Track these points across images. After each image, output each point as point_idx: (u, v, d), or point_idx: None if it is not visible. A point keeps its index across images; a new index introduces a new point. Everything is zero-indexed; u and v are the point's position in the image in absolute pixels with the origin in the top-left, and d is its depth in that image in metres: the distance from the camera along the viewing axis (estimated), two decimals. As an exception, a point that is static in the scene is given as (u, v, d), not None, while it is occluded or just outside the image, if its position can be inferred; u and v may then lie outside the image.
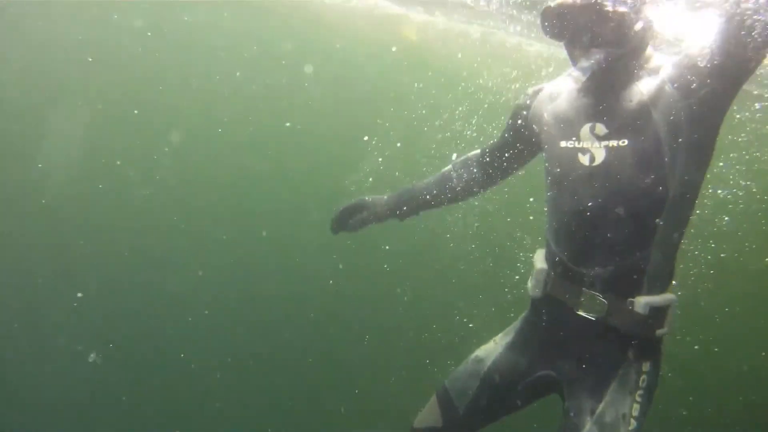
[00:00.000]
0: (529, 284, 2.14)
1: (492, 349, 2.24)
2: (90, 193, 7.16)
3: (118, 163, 7.28)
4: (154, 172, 7.42)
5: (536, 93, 2.19)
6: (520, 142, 2.25)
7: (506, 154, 2.31)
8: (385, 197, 2.45)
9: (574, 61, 1.92)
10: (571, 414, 1.94)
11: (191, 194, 7.66)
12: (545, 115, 2.08)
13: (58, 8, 7.16)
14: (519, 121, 2.23)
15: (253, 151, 7.83)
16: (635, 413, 1.89)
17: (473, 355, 2.26)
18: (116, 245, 6.90)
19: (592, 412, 1.90)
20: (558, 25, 1.88)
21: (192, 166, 7.71)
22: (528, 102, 2.19)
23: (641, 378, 1.92)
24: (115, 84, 7.33)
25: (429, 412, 2.27)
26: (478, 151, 2.41)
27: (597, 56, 1.84)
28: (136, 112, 7.33)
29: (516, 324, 2.26)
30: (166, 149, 7.49)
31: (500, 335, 2.28)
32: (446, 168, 2.44)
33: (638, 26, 1.82)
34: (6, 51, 6.97)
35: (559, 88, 2.10)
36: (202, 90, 7.80)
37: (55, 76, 7.21)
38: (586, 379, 1.96)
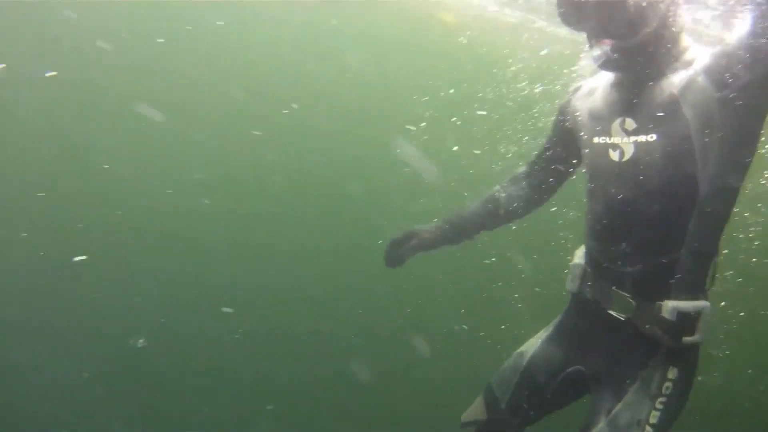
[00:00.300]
0: (568, 278, 2.17)
1: (533, 343, 2.28)
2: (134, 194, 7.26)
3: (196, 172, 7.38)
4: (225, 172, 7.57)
5: (576, 90, 2.17)
6: (563, 144, 2.22)
7: (552, 160, 2.27)
8: (434, 225, 2.41)
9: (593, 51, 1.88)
10: (590, 411, 1.94)
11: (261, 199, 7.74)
12: (582, 112, 2.06)
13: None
14: (560, 122, 2.21)
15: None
16: (653, 420, 1.83)
17: (518, 350, 2.31)
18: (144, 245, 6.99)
19: (608, 412, 1.88)
20: (573, 13, 1.80)
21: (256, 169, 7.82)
22: (569, 100, 2.17)
23: (665, 385, 1.85)
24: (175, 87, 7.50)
25: (475, 406, 2.33)
26: (525, 167, 2.39)
27: (607, 47, 1.79)
28: (200, 114, 7.44)
29: (557, 318, 2.29)
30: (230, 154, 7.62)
31: (543, 330, 2.31)
32: (495, 188, 2.40)
33: (654, 14, 1.74)
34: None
35: (598, 83, 2.08)
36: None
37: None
38: (610, 378, 1.96)
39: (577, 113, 2.10)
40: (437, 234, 2.39)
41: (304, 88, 7.74)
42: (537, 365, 2.19)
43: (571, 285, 2.15)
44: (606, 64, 1.84)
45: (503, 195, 2.35)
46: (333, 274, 6.96)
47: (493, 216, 2.35)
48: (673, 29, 1.81)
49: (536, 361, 2.20)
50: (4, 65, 6.86)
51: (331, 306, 6.87)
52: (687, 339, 1.81)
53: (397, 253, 2.41)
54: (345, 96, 7.85)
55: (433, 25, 7.62)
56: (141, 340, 6.05)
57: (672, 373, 1.86)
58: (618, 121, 1.89)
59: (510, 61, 5.85)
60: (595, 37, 1.82)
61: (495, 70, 5.99)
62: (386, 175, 7.42)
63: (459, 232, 2.38)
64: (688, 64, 1.79)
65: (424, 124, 6.76)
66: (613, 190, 1.90)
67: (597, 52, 1.82)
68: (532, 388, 2.19)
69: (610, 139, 1.91)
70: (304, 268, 7.15)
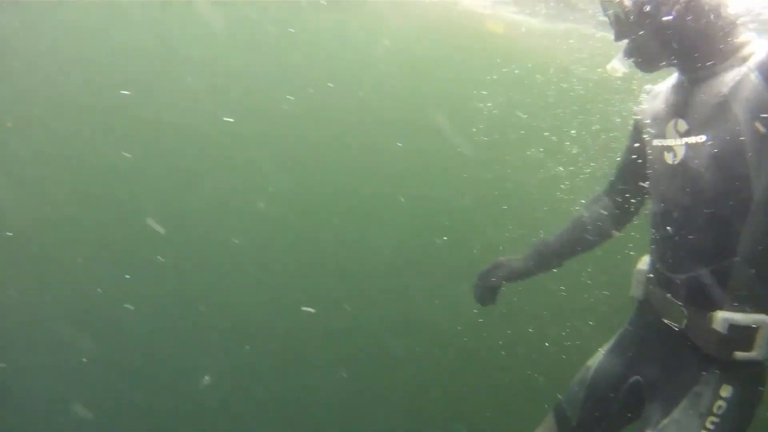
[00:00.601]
0: (632, 284, 2.12)
1: (598, 355, 2.22)
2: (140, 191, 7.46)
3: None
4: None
5: (647, 93, 2.12)
6: (638, 151, 2.12)
7: (630, 172, 2.17)
8: (521, 255, 2.34)
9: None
10: (641, 422, 1.88)
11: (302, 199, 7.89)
12: (648, 115, 2.03)
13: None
14: (633, 130, 2.14)
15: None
16: None
17: (585, 364, 2.24)
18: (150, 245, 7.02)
19: (656, 425, 1.80)
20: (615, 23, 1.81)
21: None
22: (640, 104, 2.12)
23: (717, 404, 1.73)
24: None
25: (545, 424, 2.27)
26: (606, 184, 2.32)
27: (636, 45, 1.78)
28: (231, 120, 7.58)
29: (622, 327, 2.22)
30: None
31: (609, 341, 2.25)
32: (578, 212, 2.33)
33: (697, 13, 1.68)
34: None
35: (664, 86, 2.04)
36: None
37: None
38: (663, 389, 1.88)
39: (645, 117, 2.06)
40: (525, 264, 2.32)
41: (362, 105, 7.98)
42: (601, 378, 2.14)
43: (634, 291, 2.11)
44: (640, 64, 1.83)
45: (587, 216, 2.26)
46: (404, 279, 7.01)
47: (582, 240, 2.28)
48: (721, 24, 1.72)
49: (600, 374, 2.15)
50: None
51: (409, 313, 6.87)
52: (741, 355, 1.70)
53: (487, 287, 2.35)
54: (398, 106, 8.03)
55: (482, 34, 7.66)
56: (206, 377, 6.11)
57: (726, 391, 1.74)
58: (672, 122, 1.85)
59: (557, 69, 5.80)
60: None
61: (539, 76, 5.96)
62: (441, 184, 7.49)
63: (548, 260, 2.31)
64: (743, 60, 1.70)
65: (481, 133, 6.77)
66: (666, 193, 1.87)
67: (626, 51, 1.81)
68: (598, 403, 2.12)
69: (665, 142, 1.88)
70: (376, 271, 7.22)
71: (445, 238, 6.98)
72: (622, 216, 2.26)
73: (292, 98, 7.71)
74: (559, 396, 2.27)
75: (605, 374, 2.12)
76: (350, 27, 8.18)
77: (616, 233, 2.26)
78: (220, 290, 6.96)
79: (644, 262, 2.11)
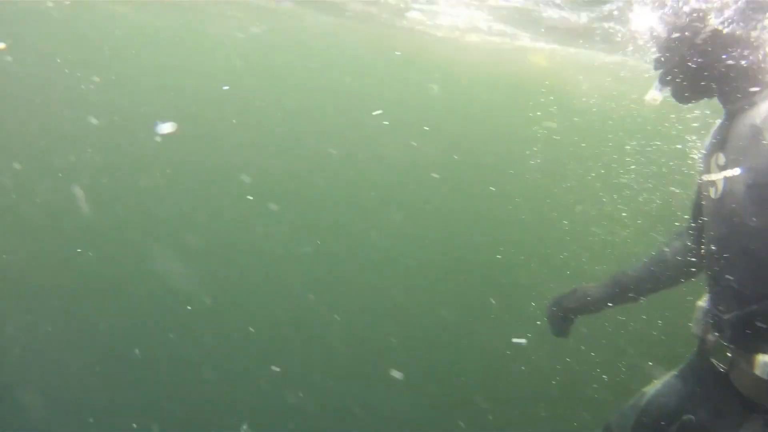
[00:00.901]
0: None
1: (655, 384, 2.15)
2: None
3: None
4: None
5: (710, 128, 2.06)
6: (699, 188, 2.06)
7: (698, 208, 2.08)
8: (598, 284, 2.25)
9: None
10: None
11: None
12: (703, 150, 1.99)
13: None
14: (699, 165, 2.05)
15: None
16: None
17: (642, 390, 2.17)
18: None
19: None
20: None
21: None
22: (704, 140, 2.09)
23: None
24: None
25: None
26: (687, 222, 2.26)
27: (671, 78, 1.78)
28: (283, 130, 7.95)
29: (682, 363, 2.14)
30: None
31: (670, 371, 2.18)
32: (659, 245, 2.25)
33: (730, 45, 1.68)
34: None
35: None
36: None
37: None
38: (711, 430, 1.82)
39: (701, 154, 2.02)
40: (603, 292, 2.22)
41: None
42: (654, 407, 2.06)
43: (693, 327, 2.01)
44: (675, 93, 1.83)
45: (668, 251, 2.16)
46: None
47: (662, 275, 2.16)
48: (756, 54, 1.69)
49: (654, 404, 2.07)
50: (3, 45, 7.54)
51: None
52: None
53: (561, 316, 2.28)
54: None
55: (526, 68, 7.81)
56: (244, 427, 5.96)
57: None
58: (714, 156, 1.81)
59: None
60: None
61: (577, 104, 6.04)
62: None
63: (626, 290, 2.19)
64: None
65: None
66: (711, 229, 1.82)
67: (660, 78, 1.81)
68: (649, 430, 2.05)
69: (709, 176, 1.82)
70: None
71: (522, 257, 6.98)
72: (700, 253, 2.16)
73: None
74: (609, 419, 2.21)
75: (659, 405, 2.05)
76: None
77: (698, 269, 2.14)
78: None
79: (705, 299, 2.02)
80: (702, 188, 1.92)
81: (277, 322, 6.81)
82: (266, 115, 9.68)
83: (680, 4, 1.72)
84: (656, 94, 1.87)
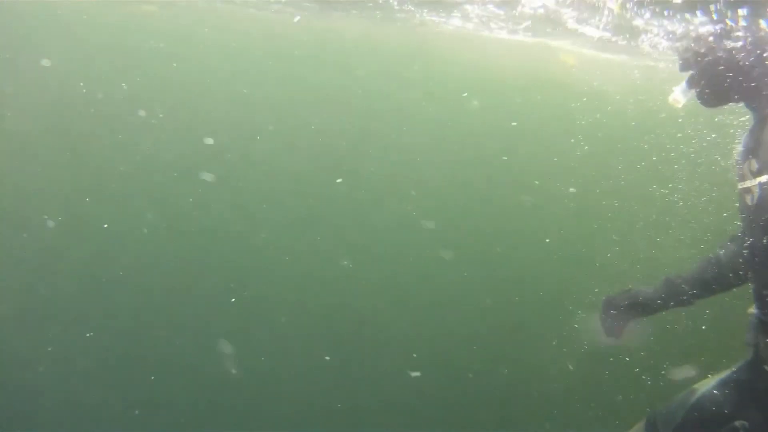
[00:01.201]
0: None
1: (706, 382, 2.13)
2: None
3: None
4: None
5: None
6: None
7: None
8: (652, 288, 2.22)
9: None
10: None
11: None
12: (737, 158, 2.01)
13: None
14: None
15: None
16: None
17: (692, 386, 2.17)
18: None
19: None
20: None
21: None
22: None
23: None
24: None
25: (635, 430, 2.22)
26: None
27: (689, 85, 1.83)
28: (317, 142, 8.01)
29: (740, 362, 2.12)
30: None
31: (724, 371, 2.15)
32: (716, 249, 2.21)
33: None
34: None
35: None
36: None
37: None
38: None
39: (734, 162, 2.03)
40: (655, 295, 2.20)
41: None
42: (704, 408, 2.03)
43: (747, 336, 1.98)
44: (702, 97, 1.86)
45: (723, 255, 2.11)
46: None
47: (716, 279, 2.12)
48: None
49: (703, 403, 2.04)
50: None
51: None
52: None
53: (613, 316, 2.26)
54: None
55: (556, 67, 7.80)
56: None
57: None
58: (747, 163, 1.81)
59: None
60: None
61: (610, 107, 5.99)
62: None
63: (679, 293, 2.16)
64: None
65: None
66: (750, 235, 1.81)
67: (689, 81, 1.84)
68: (697, 430, 2.05)
69: (744, 184, 1.83)
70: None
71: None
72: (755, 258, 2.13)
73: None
74: (650, 408, 2.22)
75: (709, 406, 2.02)
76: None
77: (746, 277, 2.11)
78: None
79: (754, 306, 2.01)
80: (740, 196, 1.91)
81: (296, 319, 6.88)
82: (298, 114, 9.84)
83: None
84: (679, 97, 1.89)
